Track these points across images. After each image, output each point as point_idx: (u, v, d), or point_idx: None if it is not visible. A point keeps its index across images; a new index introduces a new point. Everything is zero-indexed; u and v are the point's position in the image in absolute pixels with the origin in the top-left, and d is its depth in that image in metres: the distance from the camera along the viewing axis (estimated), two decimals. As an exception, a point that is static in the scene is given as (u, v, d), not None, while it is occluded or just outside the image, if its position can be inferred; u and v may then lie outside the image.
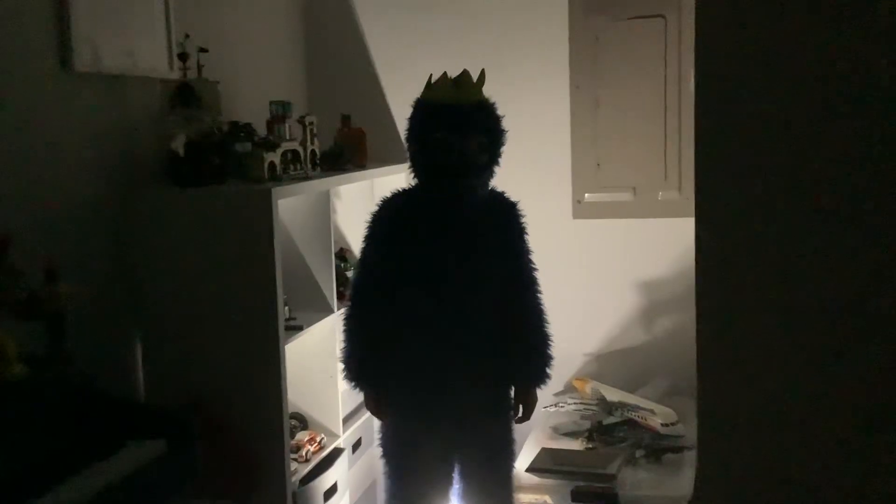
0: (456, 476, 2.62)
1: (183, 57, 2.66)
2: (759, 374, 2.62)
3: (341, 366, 2.57)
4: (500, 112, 2.47)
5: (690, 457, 2.95)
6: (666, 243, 3.48)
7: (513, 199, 2.58)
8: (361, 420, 3.26)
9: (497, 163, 2.47)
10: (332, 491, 2.89)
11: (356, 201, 3.37)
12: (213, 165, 2.62)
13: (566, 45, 3.57)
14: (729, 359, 2.66)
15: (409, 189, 2.54)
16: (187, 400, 2.53)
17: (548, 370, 2.55)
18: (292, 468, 2.68)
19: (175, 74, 2.68)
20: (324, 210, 2.96)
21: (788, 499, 2.60)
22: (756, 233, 2.66)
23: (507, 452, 2.62)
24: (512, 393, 2.59)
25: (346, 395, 3.12)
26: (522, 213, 2.57)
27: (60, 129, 2.35)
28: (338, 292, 3.04)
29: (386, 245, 2.47)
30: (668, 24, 3.43)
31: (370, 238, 2.53)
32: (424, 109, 2.44)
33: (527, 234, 2.57)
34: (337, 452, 3.00)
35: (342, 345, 2.56)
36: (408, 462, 2.55)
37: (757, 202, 2.63)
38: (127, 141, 2.61)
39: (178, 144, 2.55)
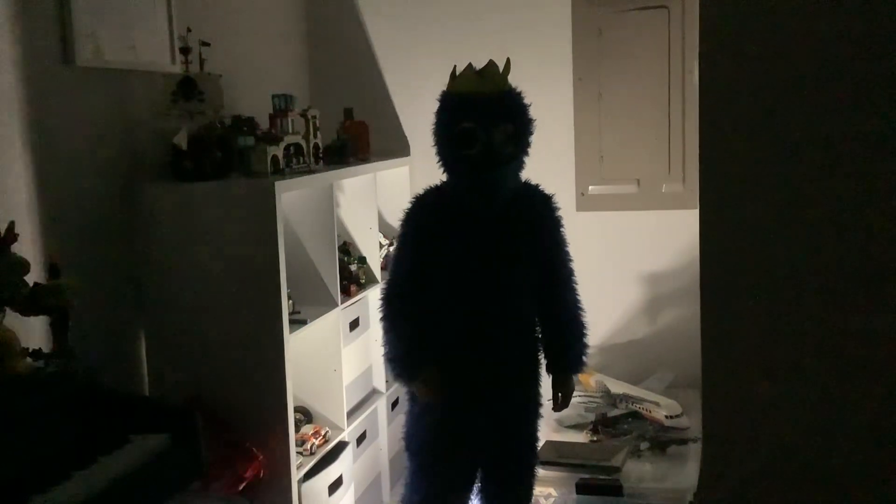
0: (479, 474, 2.59)
1: (185, 51, 2.65)
2: (763, 366, 2.62)
3: (389, 365, 2.55)
4: (526, 101, 2.43)
5: (695, 449, 2.95)
6: (670, 235, 3.47)
7: (547, 191, 2.55)
8: (366, 413, 3.26)
9: (526, 153, 2.42)
10: (336, 484, 2.89)
11: (359, 195, 3.36)
12: (216, 159, 2.61)
13: (569, 36, 3.55)
14: (733, 351, 2.65)
15: (441, 185, 2.49)
16: (191, 394, 2.54)
17: (584, 358, 2.57)
18: (297, 462, 2.68)
19: (177, 68, 2.68)
20: (327, 204, 2.95)
21: (793, 490, 2.60)
22: (759, 225, 2.64)
23: (533, 452, 2.62)
24: (541, 389, 2.60)
25: (350, 388, 3.13)
26: (558, 205, 2.54)
27: (63, 124, 2.35)
28: (341, 286, 3.04)
29: (419, 244, 2.44)
30: (672, 15, 3.41)
31: (404, 237, 2.49)
32: (449, 101, 2.39)
33: (563, 226, 2.55)
34: (342, 446, 3.00)
35: (385, 346, 2.53)
36: (435, 460, 2.51)
37: (760, 194, 2.61)
38: (129, 135, 2.61)
39: (181, 138, 2.55)
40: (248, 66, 3.23)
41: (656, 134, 3.48)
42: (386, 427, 3.44)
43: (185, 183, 2.58)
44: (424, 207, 2.46)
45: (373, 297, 3.36)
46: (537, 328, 2.55)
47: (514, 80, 3.53)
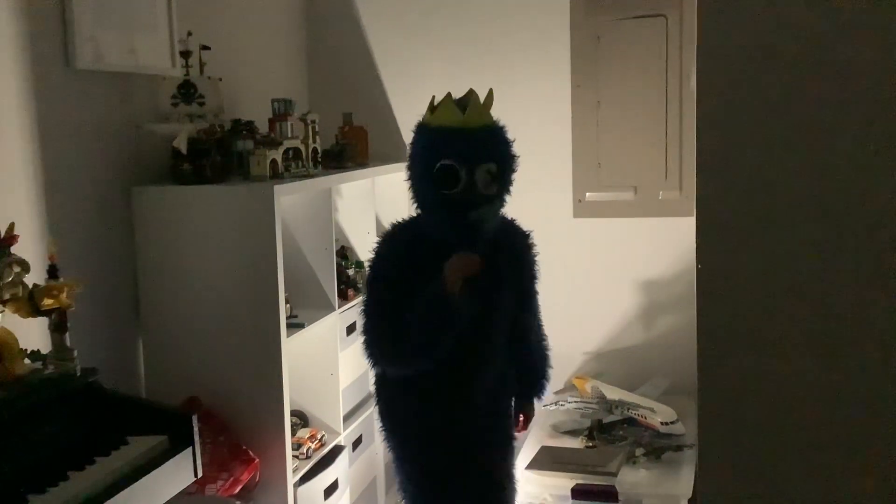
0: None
1: (185, 54, 2.67)
2: (759, 374, 2.63)
3: (370, 361, 2.34)
4: (510, 136, 2.28)
5: (690, 455, 2.95)
6: (666, 243, 3.49)
7: (525, 228, 2.47)
8: (362, 418, 3.26)
9: (508, 191, 2.28)
10: (332, 488, 2.90)
11: (357, 199, 3.37)
12: (216, 163, 2.62)
13: (567, 44, 3.57)
14: (729, 358, 2.66)
15: (413, 221, 2.34)
16: (188, 397, 2.54)
17: (547, 383, 2.58)
18: (293, 465, 2.69)
19: (177, 72, 2.69)
20: (325, 208, 2.96)
21: (788, 497, 2.61)
22: (756, 233, 2.65)
23: (512, 485, 2.57)
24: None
25: (346, 392, 3.13)
26: (534, 242, 2.47)
27: (63, 127, 2.36)
28: (339, 290, 3.05)
29: (394, 286, 2.24)
30: (670, 23, 3.43)
31: (375, 281, 2.30)
32: (428, 135, 2.22)
33: (536, 264, 2.49)
34: (338, 450, 3.00)
35: (405, 357, 2.30)
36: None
37: (757, 202, 2.62)
38: (129, 138, 2.61)
39: (181, 142, 2.56)
40: (247, 70, 3.25)
41: (654, 141, 3.50)
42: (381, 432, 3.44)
43: (185, 186, 2.58)
44: (396, 247, 2.29)
45: (370, 301, 3.37)
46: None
47: (512, 87, 3.58)
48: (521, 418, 2.59)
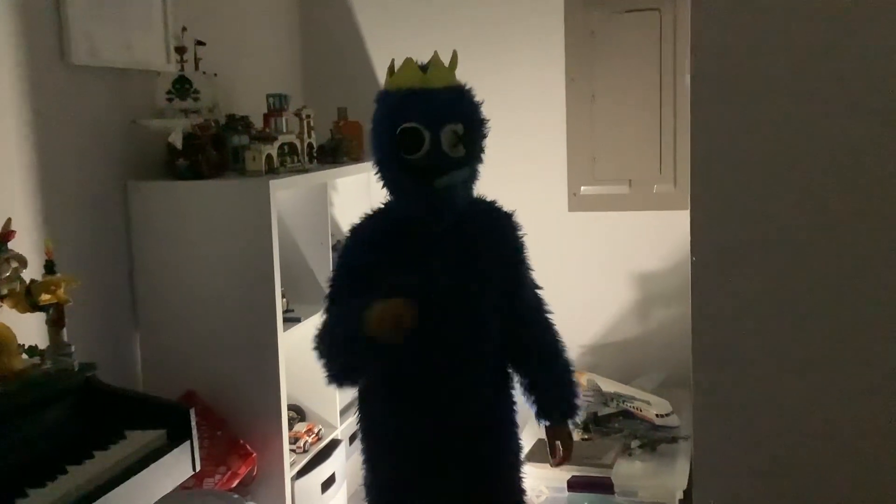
0: None
1: (180, 50, 2.67)
2: (753, 366, 2.64)
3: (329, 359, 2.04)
4: (477, 98, 2.07)
5: (685, 447, 2.97)
6: (661, 236, 3.50)
7: (507, 208, 2.17)
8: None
9: (479, 159, 2.04)
10: (329, 482, 2.91)
11: (353, 194, 3.38)
12: (211, 158, 2.62)
13: (562, 37, 3.58)
14: (723, 351, 2.67)
15: (382, 207, 2.10)
16: (186, 391, 2.55)
17: (577, 401, 2.20)
18: (290, 459, 2.70)
19: (172, 67, 2.69)
20: (321, 203, 2.97)
21: (783, 488, 2.63)
22: (750, 226, 2.67)
23: None
24: (520, 441, 2.25)
25: (343, 386, 3.14)
26: (519, 224, 2.17)
27: (58, 122, 2.36)
28: (335, 284, 3.05)
29: (356, 277, 2.02)
30: (664, 17, 3.44)
31: (334, 270, 2.12)
32: (388, 99, 2.01)
33: (525, 248, 2.17)
34: (334, 444, 3.01)
35: (326, 358, 2.04)
36: None
37: (751, 195, 2.64)
38: (125, 134, 2.61)
39: (176, 137, 2.56)
40: (242, 65, 3.25)
41: (648, 135, 3.51)
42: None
43: (180, 181, 2.59)
44: (361, 236, 2.07)
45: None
46: (508, 370, 2.18)
47: (507, 80, 3.58)
48: (558, 444, 2.23)
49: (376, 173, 2.05)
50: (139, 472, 1.78)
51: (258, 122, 2.89)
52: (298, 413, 3.01)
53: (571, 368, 2.22)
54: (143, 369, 2.67)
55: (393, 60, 2.07)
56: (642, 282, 3.63)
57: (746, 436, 2.56)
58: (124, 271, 2.62)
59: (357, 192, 3.38)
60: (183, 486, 2.05)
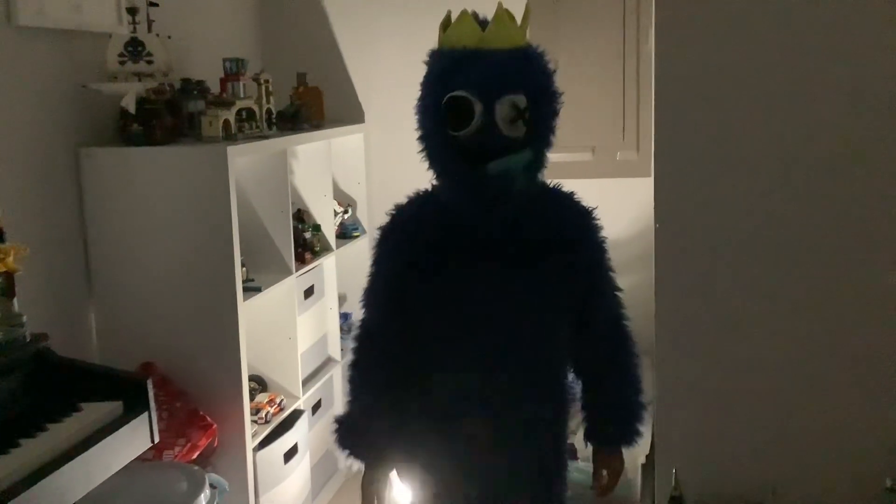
0: None
1: (132, 11, 2.58)
2: (714, 333, 2.66)
3: (333, 426, 1.86)
4: (551, 65, 1.72)
5: (647, 414, 2.99)
6: (624, 203, 3.50)
7: (586, 203, 1.83)
8: (321, 382, 3.25)
9: (546, 141, 1.68)
10: (292, 452, 2.89)
11: (313, 162, 3.32)
12: (166, 124, 2.55)
13: (524, 4, 3.53)
14: (685, 317, 2.69)
15: (426, 192, 1.77)
16: (144, 362, 2.50)
17: (640, 426, 1.88)
18: (252, 430, 2.67)
19: (124, 29, 2.60)
20: (281, 170, 2.91)
21: (741, 458, 2.67)
22: (713, 194, 2.68)
23: None
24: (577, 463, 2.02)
25: (305, 356, 3.11)
26: (600, 224, 1.82)
27: (4, 86, 2.27)
28: (296, 253, 3.01)
29: (396, 271, 1.73)
30: (628, -17, 3.41)
31: (376, 263, 1.79)
32: (437, 61, 1.67)
33: (607, 252, 1.84)
34: (297, 414, 2.99)
35: (344, 400, 1.92)
36: None
37: (714, 163, 2.65)
38: (75, 98, 2.53)
39: (129, 102, 2.49)
40: (197, 27, 3.16)
41: (611, 102, 3.50)
42: (341, 395, 3.43)
43: (134, 148, 2.52)
44: (402, 223, 1.75)
45: (328, 264, 3.35)
46: (569, 391, 1.88)
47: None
48: (604, 473, 1.93)
49: (421, 150, 1.69)
50: (95, 444, 1.73)
51: (215, 87, 2.82)
52: (260, 384, 2.97)
53: (640, 387, 1.89)
54: (98, 341, 2.61)
55: (449, 12, 1.70)
56: (605, 249, 3.64)
57: (708, 402, 2.59)
58: (77, 240, 2.55)
59: (318, 160, 3.33)
60: (142, 458, 2.01)
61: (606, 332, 1.86)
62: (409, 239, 1.72)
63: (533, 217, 1.70)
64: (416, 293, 1.69)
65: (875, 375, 2.47)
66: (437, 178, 1.71)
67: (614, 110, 3.50)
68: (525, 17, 1.71)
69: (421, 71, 1.71)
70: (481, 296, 1.67)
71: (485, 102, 1.58)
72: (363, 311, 1.83)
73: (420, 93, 1.69)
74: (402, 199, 1.79)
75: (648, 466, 2.63)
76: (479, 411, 1.72)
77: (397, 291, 1.72)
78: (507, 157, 1.60)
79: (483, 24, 1.66)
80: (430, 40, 2.13)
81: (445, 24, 1.69)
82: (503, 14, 1.65)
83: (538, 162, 1.68)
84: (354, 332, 1.88)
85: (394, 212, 1.78)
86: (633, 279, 3.70)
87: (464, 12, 1.66)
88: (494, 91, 1.58)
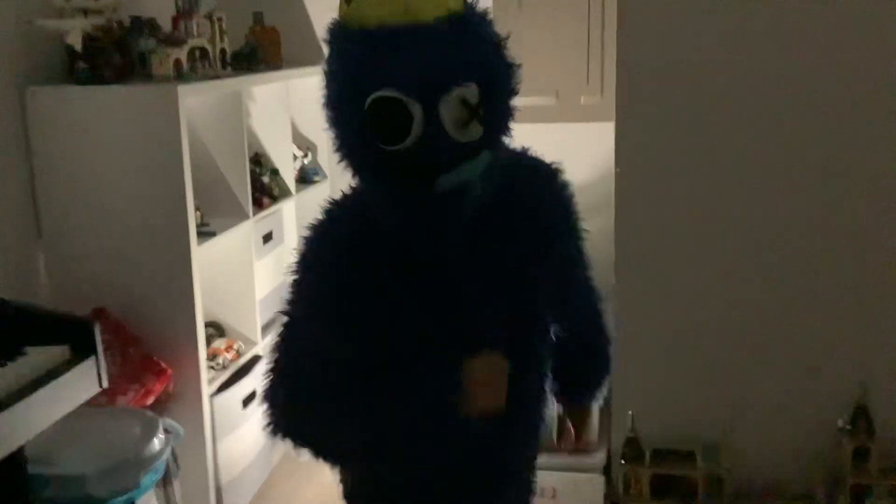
0: None
1: (77, -57, 2.47)
2: (672, 274, 2.67)
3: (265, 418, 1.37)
4: (499, 30, 1.26)
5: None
6: (588, 148, 3.47)
7: (550, 162, 1.47)
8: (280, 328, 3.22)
9: (506, 129, 1.28)
10: (251, 398, 2.86)
11: (271, 104, 3.24)
12: (115, 63, 2.47)
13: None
14: (644, 259, 2.69)
15: (356, 197, 1.32)
16: (95, 307, 2.45)
17: (607, 376, 1.68)
18: (209, 376, 2.64)
19: (69, -38, 2.49)
20: (236, 112, 2.84)
21: (696, 401, 2.69)
22: (675, 139, 2.66)
23: None
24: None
25: (264, 302, 3.07)
26: (567, 184, 1.45)
27: (-59, 19, 2.17)
28: (253, 198, 2.95)
29: (336, 295, 1.26)
30: (593, -78, 3.34)
31: (291, 300, 1.34)
32: (345, 45, 1.19)
33: (576, 217, 1.47)
34: (255, 360, 2.96)
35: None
36: None
37: (677, 105, 2.62)
38: (21, 36, 2.42)
39: (75, 38, 2.39)
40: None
41: (575, 45, 3.44)
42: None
43: (82, 87, 2.43)
44: (328, 245, 1.29)
45: (287, 209, 3.30)
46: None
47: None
48: (570, 429, 1.77)
49: (337, 153, 1.23)
50: (40, 388, 1.70)
51: (166, 26, 2.72)
52: (217, 330, 2.94)
53: (610, 341, 1.68)
54: (49, 286, 2.55)
55: None
56: (568, 195, 3.62)
57: (665, 345, 2.60)
58: (24, 181, 2.47)
59: (276, 103, 3.25)
60: (94, 403, 1.98)
61: (581, 319, 1.59)
62: (341, 264, 1.27)
63: (493, 223, 1.31)
64: (364, 321, 1.26)
65: (831, 318, 2.49)
66: (369, 200, 1.28)
67: (578, 52, 3.44)
68: None
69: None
70: (451, 304, 1.29)
71: (424, 103, 1.13)
72: (281, 349, 1.39)
73: (325, 91, 1.21)
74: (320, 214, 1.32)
75: (605, 409, 2.65)
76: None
77: (343, 318, 1.27)
78: (460, 168, 1.18)
79: None
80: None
81: None
82: None
83: (494, 157, 1.25)
84: (266, 378, 1.37)
85: (312, 231, 1.31)
86: (594, 224, 3.70)
87: None
88: (436, 85, 1.13)
